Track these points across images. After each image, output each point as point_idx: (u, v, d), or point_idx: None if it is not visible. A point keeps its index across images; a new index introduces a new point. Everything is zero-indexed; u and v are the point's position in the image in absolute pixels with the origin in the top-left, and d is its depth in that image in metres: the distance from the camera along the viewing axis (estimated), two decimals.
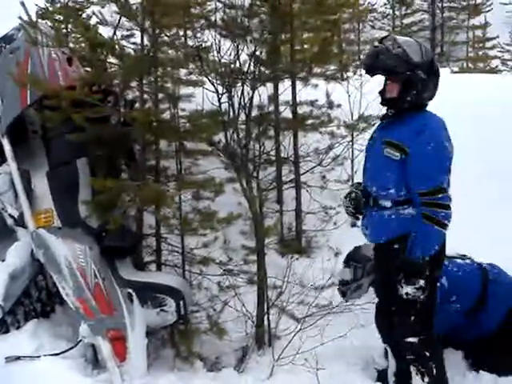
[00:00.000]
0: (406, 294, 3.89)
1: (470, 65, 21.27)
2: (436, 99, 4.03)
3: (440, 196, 3.76)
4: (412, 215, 3.87)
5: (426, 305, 3.98)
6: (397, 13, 30.33)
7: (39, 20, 5.76)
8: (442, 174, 3.80)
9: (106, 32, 5.53)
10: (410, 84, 3.87)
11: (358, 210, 4.25)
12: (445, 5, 31.89)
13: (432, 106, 4.03)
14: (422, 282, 3.85)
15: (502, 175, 6.72)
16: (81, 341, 4.41)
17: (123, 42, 5.34)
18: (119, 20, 5.27)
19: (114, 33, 5.37)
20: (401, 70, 3.87)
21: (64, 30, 8.32)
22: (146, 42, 5.09)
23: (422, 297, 3.89)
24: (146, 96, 5.16)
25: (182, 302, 4.84)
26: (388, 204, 3.98)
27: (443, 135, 3.84)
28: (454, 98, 5.37)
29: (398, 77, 3.88)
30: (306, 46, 7.02)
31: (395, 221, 3.94)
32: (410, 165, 3.83)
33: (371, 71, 4.05)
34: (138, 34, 5.20)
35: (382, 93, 4.02)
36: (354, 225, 6.54)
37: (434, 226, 3.76)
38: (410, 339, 4.02)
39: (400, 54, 3.86)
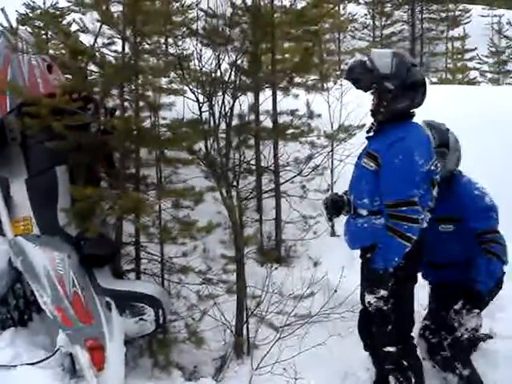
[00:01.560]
0: (369, 303, 3.94)
1: (448, 76, 21.42)
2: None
3: (404, 209, 3.77)
4: (383, 225, 3.89)
5: (401, 315, 4.00)
6: (377, 23, 30.50)
7: (19, 26, 5.73)
8: (409, 187, 3.79)
9: (86, 39, 5.51)
10: (380, 96, 3.91)
11: (332, 211, 4.36)
12: (424, 16, 32.13)
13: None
14: (382, 293, 3.87)
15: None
16: (58, 350, 4.36)
17: (104, 50, 5.31)
18: (100, 27, 5.25)
19: (95, 40, 5.34)
20: (367, 82, 3.92)
21: (44, 37, 8.29)
22: (126, 49, 5.09)
23: (385, 307, 3.91)
24: (126, 104, 5.16)
25: (160, 311, 4.83)
26: (364, 213, 4.03)
27: (416, 149, 3.83)
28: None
29: (372, 89, 3.92)
30: (286, 56, 7.04)
31: (367, 230, 3.97)
32: (380, 176, 3.86)
33: (349, 80, 4.13)
34: (119, 41, 5.19)
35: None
36: (333, 234, 6.57)
37: (397, 238, 3.78)
38: (388, 348, 4.05)
39: (368, 66, 3.93)
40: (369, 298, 3.92)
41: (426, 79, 4.30)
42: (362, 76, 3.96)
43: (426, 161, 3.85)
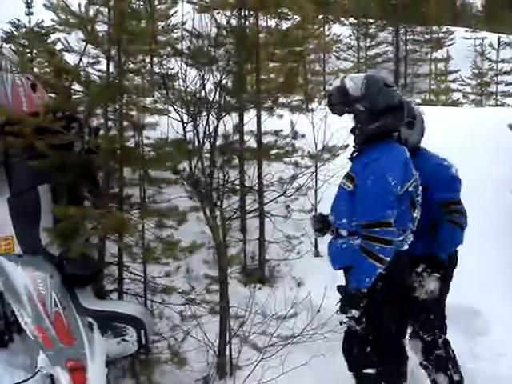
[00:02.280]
0: (340, 322, 3.94)
1: (432, 97, 21.59)
2: None
3: (377, 230, 3.76)
4: (359, 246, 3.88)
5: (379, 337, 4.00)
6: (361, 44, 30.77)
7: (3, 45, 5.73)
8: (381, 208, 3.79)
9: (71, 59, 5.51)
10: (355, 118, 3.97)
11: (319, 228, 4.41)
12: (408, 38, 32.48)
13: None
14: (354, 312, 3.87)
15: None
16: (39, 371, 4.32)
17: (89, 69, 5.31)
18: (85, 47, 5.25)
19: (80, 60, 5.34)
20: (340, 106, 3.99)
21: (29, 56, 8.29)
22: (111, 69, 5.08)
23: (357, 327, 3.91)
24: (110, 123, 5.15)
25: (143, 332, 4.79)
26: (344, 233, 4.04)
27: (389, 170, 3.84)
28: None
29: (346, 112, 3.99)
30: (271, 76, 7.07)
31: (346, 250, 3.98)
32: (355, 197, 3.88)
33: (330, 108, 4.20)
34: (103, 61, 5.19)
35: None
36: (317, 254, 6.58)
37: (369, 259, 3.77)
38: (368, 370, 4.04)
39: (340, 90, 3.98)
40: (341, 316, 3.93)
41: (411, 100, 4.35)
42: (336, 101, 4.00)
43: (400, 182, 3.84)
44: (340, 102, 3.97)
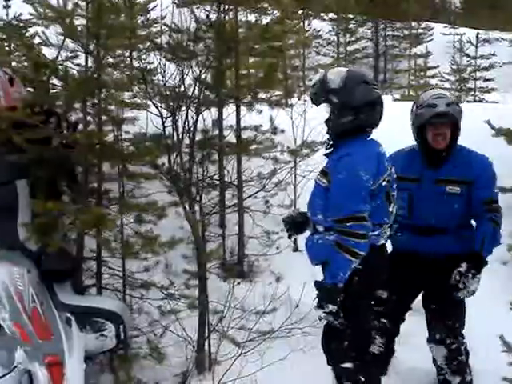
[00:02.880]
0: (319, 317, 3.95)
1: (411, 93, 21.67)
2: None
3: (350, 224, 3.77)
4: (334, 241, 3.89)
5: (356, 331, 4.02)
6: (341, 40, 30.84)
7: None
8: (354, 203, 3.79)
9: (49, 53, 5.47)
10: (330, 110, 3.97)
11: (292, 229, 4.42)
12: (388, 33, 32.62)
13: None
14: (331, 307, 3.87)
15: None
16: (16, 367, 4.30)
17: (67, 63, 5.28)
18: (63, 41, 5.21)
19: (58, 54, 5.30)
20: (318, 96, 4.01)
21: (6, 49, 8.21)
22: (90, 63, 5.05)
23: (335, 322, 3.93)
24: (89, 118, 5.12)
25: (121, 327, 4.78)
26: (320, 229, 4.04)
27: (361, 164, 3.85)
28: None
29: (322, 102, 4.01)
30: (250, 72, 7.07)
31: (321, 246, 3.98)
32: (329, 192, 3.90)
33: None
34: (82, 55, 5.15)
35: None
36: (296, 250, 6.60)
37: (343, 253, 3.78)
38: (346, 365, 4.06)
39: (321, 80, 4.02)
40: (318, 312, 3.94)
41: (390, 96, 4.38)
42: (316, 90, 4.03)
43: (373, 176, 3.84)
44: (319, 91, 3.99)
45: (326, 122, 4.05)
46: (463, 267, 4.37)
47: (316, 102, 4.05)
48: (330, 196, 3.89)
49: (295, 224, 4.38)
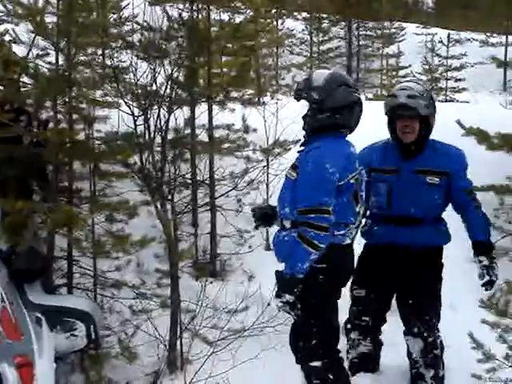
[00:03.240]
0: (277, 306, 3.95)
1: (384, 92, 21.80)
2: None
3: (312, 216, 3.76)
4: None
5: (324, 329, 4.04)
6: (314, 39, 30.89)
7: None
8: (318, 194, 3.78)
9: (19, 50, 5.43)
10: (309, 106, 4.01)
11: (259, 220, 4.42)
12: (361, 33, 32.71)
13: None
14: (288, 297, 3.86)
15: None
16: None
17: (38, 61, 5.24)
18: (34, 38, 5.18)
19: (29, 51, 5.26)
20: (298, 93, 4.04)
21: None
22: (61, 61, 5.02)
23: (292, 313, 3.92)
24: (60, 116, 5.10)
25: (92, 326, 4.76)
26: (287, 225, 4.02)
27: (328, 157, 3.85)
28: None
29: (303, 98, 4.04)
30: (223, 70, 7.07)
31: (287, 243, 3.96)
32: (296, 184, 3.92)
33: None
34: (53, 53, 5.12)
35: None
36: (268, 248, 6.61)
37: (303, 244, 3.76)
38: (314, 363, 4.07)
39: (306, 78, 4.10)
40: (276, 301, 3.94)
41: (362, 95, 4.42)
42: (300, 86, 4.07)
43: (340, 171, 3.84)
44: (302, 87, 4.04)
45: (304, 117, 4.07)
46: (485, 261, 4.46)
47: (297, 96, 4.08)
48: (296, 188, 3.90)
49: (263, 215, 4.38)
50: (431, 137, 4.57)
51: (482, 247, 4.48)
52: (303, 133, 4.15)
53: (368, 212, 4.63)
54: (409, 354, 4.59)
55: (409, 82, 4.64)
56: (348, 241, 4.01)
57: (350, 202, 3.96)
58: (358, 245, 4.50)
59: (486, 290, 4.46)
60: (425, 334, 4.47)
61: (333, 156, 3.86)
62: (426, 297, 4.50)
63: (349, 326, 4.72)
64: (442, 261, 4.61)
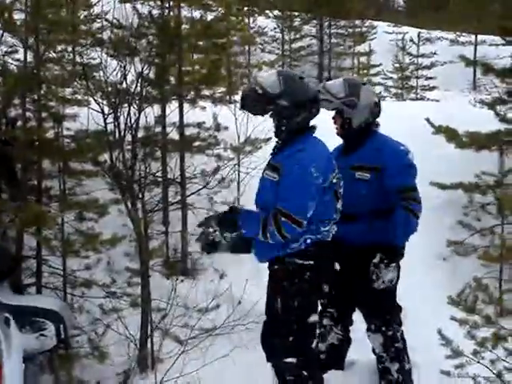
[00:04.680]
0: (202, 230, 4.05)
1: None
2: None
3: (283, 220, 3.75)
4: None
5: (303, 326, 4.05)
6: (286, 37, 30.95)
7: None
8: (301, 199, 3.79)
9: None
10: (278, 115, 3.95)
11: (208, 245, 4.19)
12: (332, 31, 32.81)
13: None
14: (217, 231, 3.99)
15: None
16: None
17: (5, 58, 5.19)
18: (1, 35, 5.12)
19: None
20: (262, 106, 3.93)
21: None
22: (29, 58, 4.98)
23: (204, 245, 4.02)
24: (28, 114, 5.06)
25: (61, 326, 4.72)
26: None
27: (313, 161, 3.85)
28: None
29: (269, 111, 3.93)
30: (194, 68, 7.05)
31: (257, 216, 3.92)
32: (279, 185, 3.90)
33: (246, 111, 4.19)
34: (21, 50, 5.08)
35: None
36: None
37: (273, 226, 3.76)
38: (289, 359, 4.07)
39: (258, 91, 3.90)
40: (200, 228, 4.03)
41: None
42: (255, 102, 3.94)
43: (323, 173, 3.89)
44: (259, 101, 3.93)
45: (278, 127, 4.01)
46: (376, 258, 4.37)
47: (261, 112, 3.99)
48: (279, 190, 3.89)
49: (227, 222, 4.09)
50: (385, 132, 4.57)
51: (386, 247, 4.37)
52: (273, 133, 4.12)
53: None
54: (373, 350, 4.63)
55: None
56: (330, 236, 4.03)
57: (332, 200, 3.98)
58: None
59: (372, 285, 4.35)
60: (383, 329, 4.49)
61: (317, 160, 3.88)
62: (372, 295, 4.44)
63: (321, 314, 4.63)
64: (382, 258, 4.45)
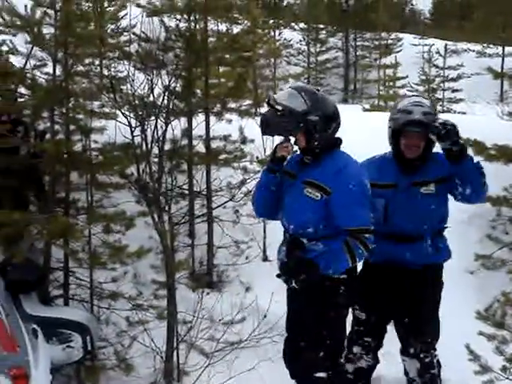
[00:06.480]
0: (288, 281, 3.94)
1: (381, 103, 21.86)
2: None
3: (366, 236, 3.79)
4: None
5: (335, 341, 4.03)
6: (312, 50, 31.01)
7: None
8: (367, 213, 3.85)
9: (17, 61, 5.44)
10: (310, 131, 3.92)
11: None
12: (358, 43, 32.87)
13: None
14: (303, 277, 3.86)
15: None
16: None
17: (35, 72, 5.25)
18: (31, 49, 5.18)
19: (26, 62, 5.26)
20: (292, 126, 3.89)
21: None
22: (58, 72, 5.03)
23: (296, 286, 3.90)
24: (57, 127, 5.10)
25: (88, 338, 4.75)
26: (304, 240, 4.00)
27: (362, 174, 3.91)
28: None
29: (300, 130, 3.90)
30: (220, 81, 7.08)
31: (331, 253, 3.86)
32: (333, 203, 3.85)
33: (269, 135, 4.21)
34: (50, 64, 5.13)
35: (295, 142, 4.05)
36: (265, 259, 6.61)
37: (347, 254, 3.78)
38: (319, 374, 4.06)
39: (285, 113, 3.87)
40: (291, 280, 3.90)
41: (359, 106, 4.39)
42: (284, 124, 3.90)
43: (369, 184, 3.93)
44: (288, 122, 3.87)
45: (308, 144, 3.93)
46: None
47: (289, 132, 3.94)
48: (335, 207, 3.84)
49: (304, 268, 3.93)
50: None
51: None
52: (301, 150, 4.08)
53: None
54: (406, 373, 4.57)
55: (417, 97, 4.54)
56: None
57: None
58: None
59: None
60: (421, 356, 4.42)
61: (363, 171, 3.95)
62: (424, 317, 4.40)
63: (352, 340, 4.59)
64: (443, 278, 4.46)
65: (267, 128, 3.99)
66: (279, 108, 3.89)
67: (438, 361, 4.48)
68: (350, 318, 4.42)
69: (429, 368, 4.44)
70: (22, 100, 5.27)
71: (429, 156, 4.36)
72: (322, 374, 4.06)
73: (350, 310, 4.43)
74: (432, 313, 4.43)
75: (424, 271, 4.35)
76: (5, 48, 5.72)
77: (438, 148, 4.36)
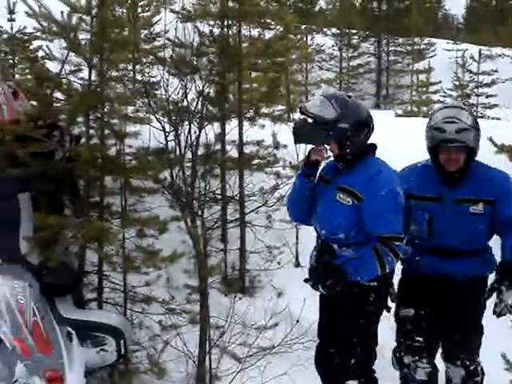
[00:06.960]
0: (315, 286, 4.00)
1: (414, 108, 21.70)
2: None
3: (397, 244, 3.80)
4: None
5: (367, 349, 4.01)
6: (344, 55, 30.94)
7: None
8: (399, 221, 3.85)
9: (53, 66, 5.50)
10: (341, 139, 3.91)
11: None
12: (390, 49, 32.74)
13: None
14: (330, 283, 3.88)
15: None
16: (16, 381, 4.28)
17: (70, 77, 5.29)
18: (67, 55, 5.23)
19: (62, 67, 5.32)
20: (323, 135, 3.91)
21: (10, 62, 8.24)
22: (93, 77, 5.08)
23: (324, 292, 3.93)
24: (92, 132, 5.14)
25: (122, 341, 4.78)
26: (335, 246, 4.00)
27: (395, 181, 3.90)
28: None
29: (332, 137, 3.90)
30: (253, 86, 7.09)
31: (363, 259, 3.87)
32: (365, 209, 3.85)
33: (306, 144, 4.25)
34: (85, 69, 5.17)
35: (330, 149, 4.04)
36: (297, 265, 6.59)
37: (376, 261, 3.78)
38: (351, 382, 4.04)
39: (317, 121, 3.89)
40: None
41: (392, 111, 4.35)
42: (315, 132, 3.93)
43: (402, 192, 3.91)
44: (319, 130, 3.90)
45: (341, 151, 3.95)
46: (495, 282, 4.17)
47: (321, 140, 3.97)
48: (366, 213, 3.85)
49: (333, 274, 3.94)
50: None
51: (502, 269, 4.18)
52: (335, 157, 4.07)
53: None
54: (448, 381, 4.48)
55: (453, 109, 4.33)
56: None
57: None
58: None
59: (498, 316, 4.15)
60: (467, 363, 4.35)
61: (397, 179, 3.94)
62: (471, 330, 4.34)
63: (398, 353, 4.36)
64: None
65: (299, 137, 4.03)
66: (310, 116, 3.91)
67: (481, 369, 4.41)
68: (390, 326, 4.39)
69: (473, 376, 4.38)
70: (58, 105, 5.32)
71: (471, 166, 4.24)
72: (353, 382, 4.05)
73: (393, 312, 4.33)
74: (478, 326, 4.37)
75: (470, 283, 4.28)
76: (41, 53, 5.79)
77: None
